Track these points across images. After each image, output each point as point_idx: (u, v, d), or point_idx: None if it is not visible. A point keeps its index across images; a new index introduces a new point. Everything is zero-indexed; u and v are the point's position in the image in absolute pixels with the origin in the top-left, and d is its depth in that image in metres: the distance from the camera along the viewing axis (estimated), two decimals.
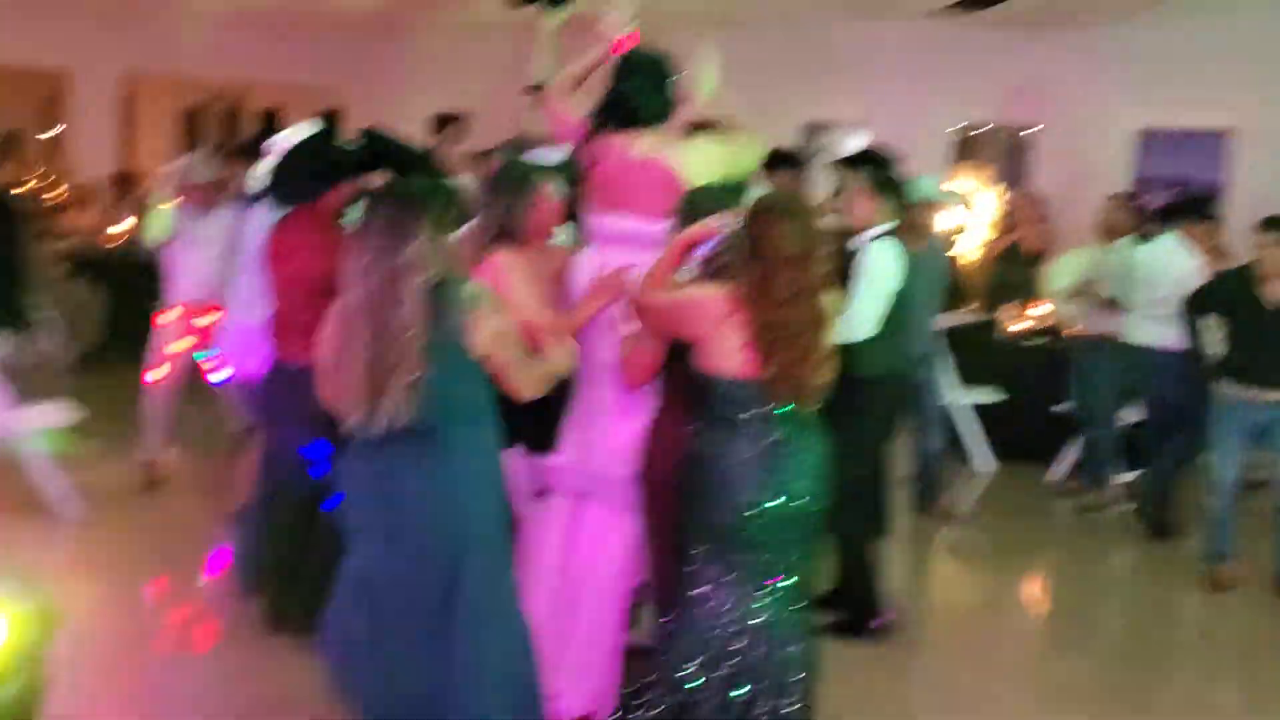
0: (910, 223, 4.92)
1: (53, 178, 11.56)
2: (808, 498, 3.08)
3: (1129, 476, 6.45)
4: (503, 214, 3.49)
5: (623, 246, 3.55)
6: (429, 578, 2.81)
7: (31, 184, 11.42)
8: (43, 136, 14.62)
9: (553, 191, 3.58)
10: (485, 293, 2.90)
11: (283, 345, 4.00)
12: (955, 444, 6.87)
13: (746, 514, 3.02)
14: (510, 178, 3.59)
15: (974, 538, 6.07)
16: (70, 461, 5.47)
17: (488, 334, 2.82)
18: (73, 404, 5.66)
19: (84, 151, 11.72)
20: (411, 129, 9.20)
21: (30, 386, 7.16)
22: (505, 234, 3.47)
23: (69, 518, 5.22)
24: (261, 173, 4.44)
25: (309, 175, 3.97)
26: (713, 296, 3.06)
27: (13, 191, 7.92)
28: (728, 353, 3.02)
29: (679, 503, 3.16)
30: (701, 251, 3.20)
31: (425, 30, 11.18)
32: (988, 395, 6.94)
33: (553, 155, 4.10)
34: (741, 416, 3.04)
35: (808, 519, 3.11)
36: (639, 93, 3.59)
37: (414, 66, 11.64)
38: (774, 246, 2.98)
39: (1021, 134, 9.08)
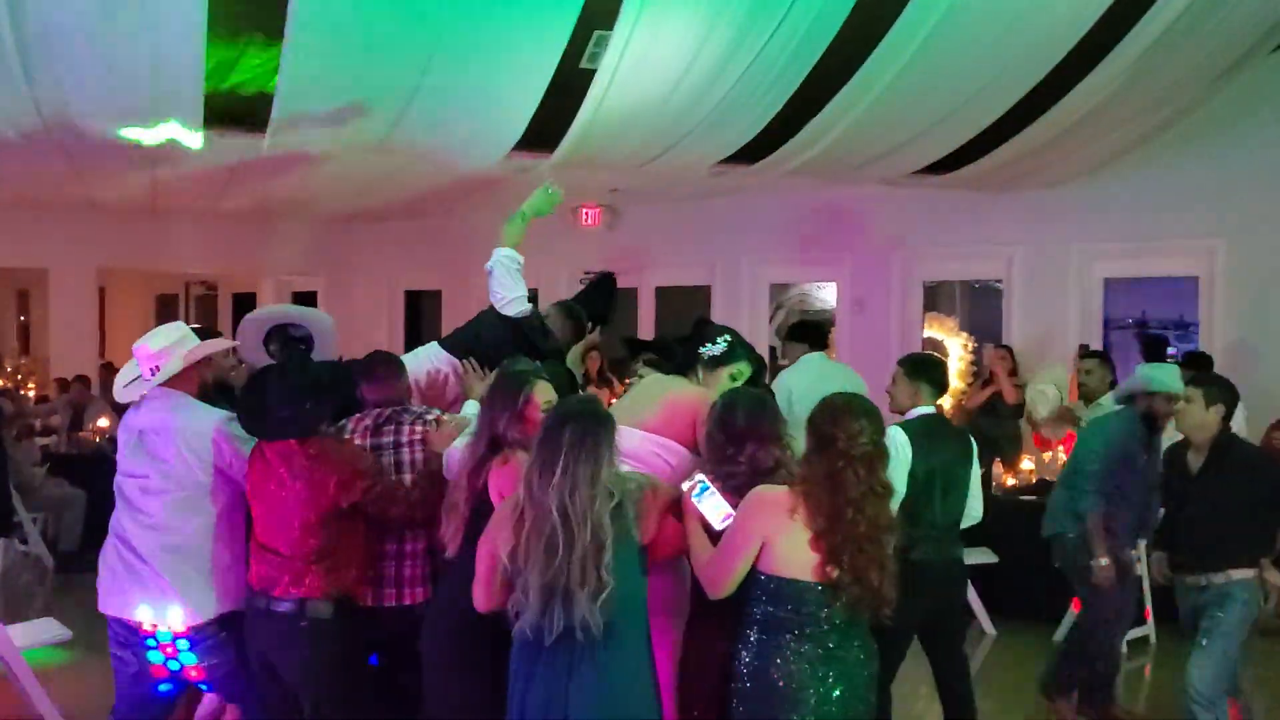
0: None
1: (31, 373, 11.58)
2: (863, 708, 3.03)
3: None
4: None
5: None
6: None
7: (8, 380, 11.50)
8: (21, 327, 14.77)
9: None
10: (650, 481, 3.06)
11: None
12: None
13: None
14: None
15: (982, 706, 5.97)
16: (54, 675, 5.33)
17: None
18: (55, 620, 5.55)
19: (61, 344, 11.77)
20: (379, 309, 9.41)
21: (14, 595, 7.04)
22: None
23: None
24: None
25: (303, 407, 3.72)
26: (775, 494, 3.04)
27: None
28: (789, 552, 2.97)
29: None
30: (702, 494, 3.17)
31: (401, 217, 11.52)
32: (982, 556, 6.94)
33: None
34: (799, 621, 2.98)
35: None
36: None
37: (384, 251, 11.94)
38: (846, 443, 2.98)
39: (990, 286, 9.39)
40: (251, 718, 3.94)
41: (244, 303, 13.43)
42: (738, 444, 3.25)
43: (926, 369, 4.51)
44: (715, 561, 3.07)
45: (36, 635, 5.30)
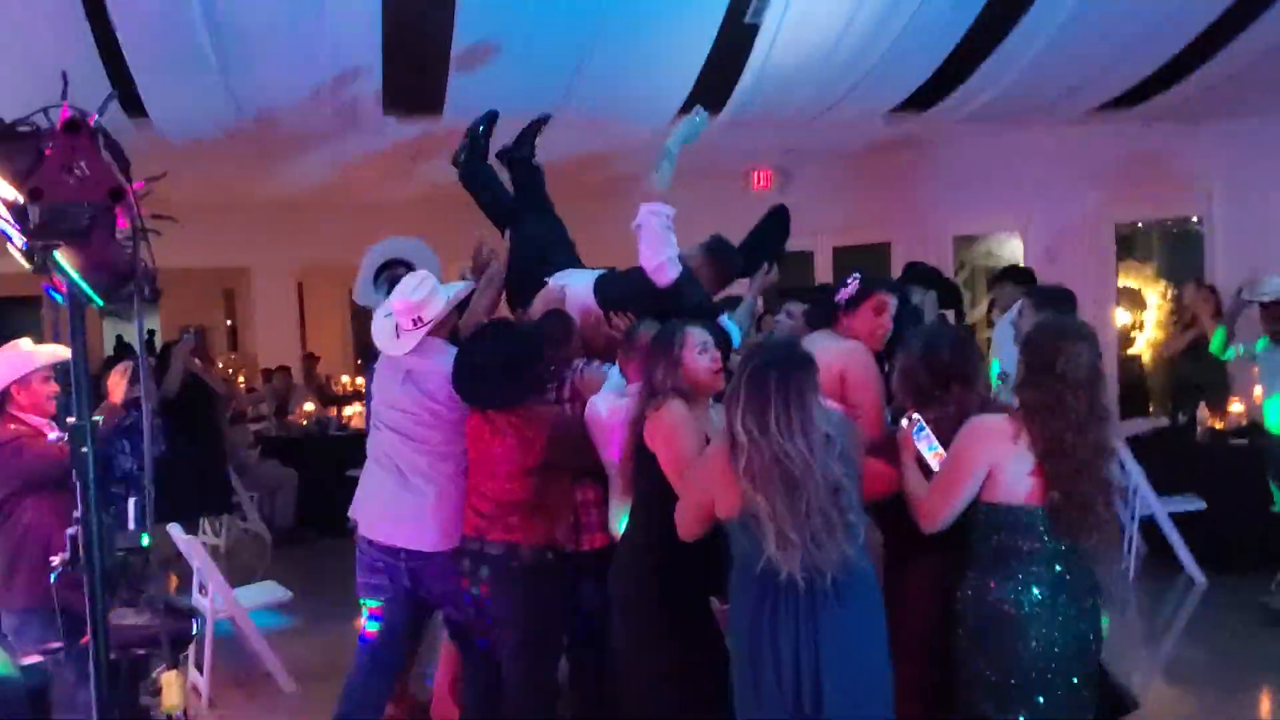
0: None
1: (241, 367, 12.33)
2: (1091, 634, 2.97)
3: None
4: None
5: None
6: None
7: (222, 372, 12.28)
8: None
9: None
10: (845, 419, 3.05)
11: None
12: (1159, 557, 6.55)
13: (1039, 662, 2.89)
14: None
15: (1191, 655, 5.70)
16: (276, 636, 5.68)
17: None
18: (277, 583, 5.91)
19: (266, 339, 12.51)
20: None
21: (236, 567, 7.54)
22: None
23: (285, 689, 5.39)
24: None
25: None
26: (996, 421, 3.00)
27: (207, 384, 8.47)
28: (1014, 479, 2.93)
29: (944, 657, 3.06)
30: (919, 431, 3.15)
31: (578, 198, 11.64)
32: (1188, 503, 6.60)
33: None
34: (1026, 549, 2.92)
35: (1091, 663, 2.99)
36: None
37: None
38: (1065, 367, 2.91)
39: (1193, 226, 8.83)
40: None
41: None
42: (943, 384, 3.19)
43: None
44: (938, 492, 3.03)
45: (261, 597, 5.66)
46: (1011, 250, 10.47)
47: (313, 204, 11.23)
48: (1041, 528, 2.91)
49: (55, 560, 2.52)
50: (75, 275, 2.03)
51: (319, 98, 6.02)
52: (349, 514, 4.33)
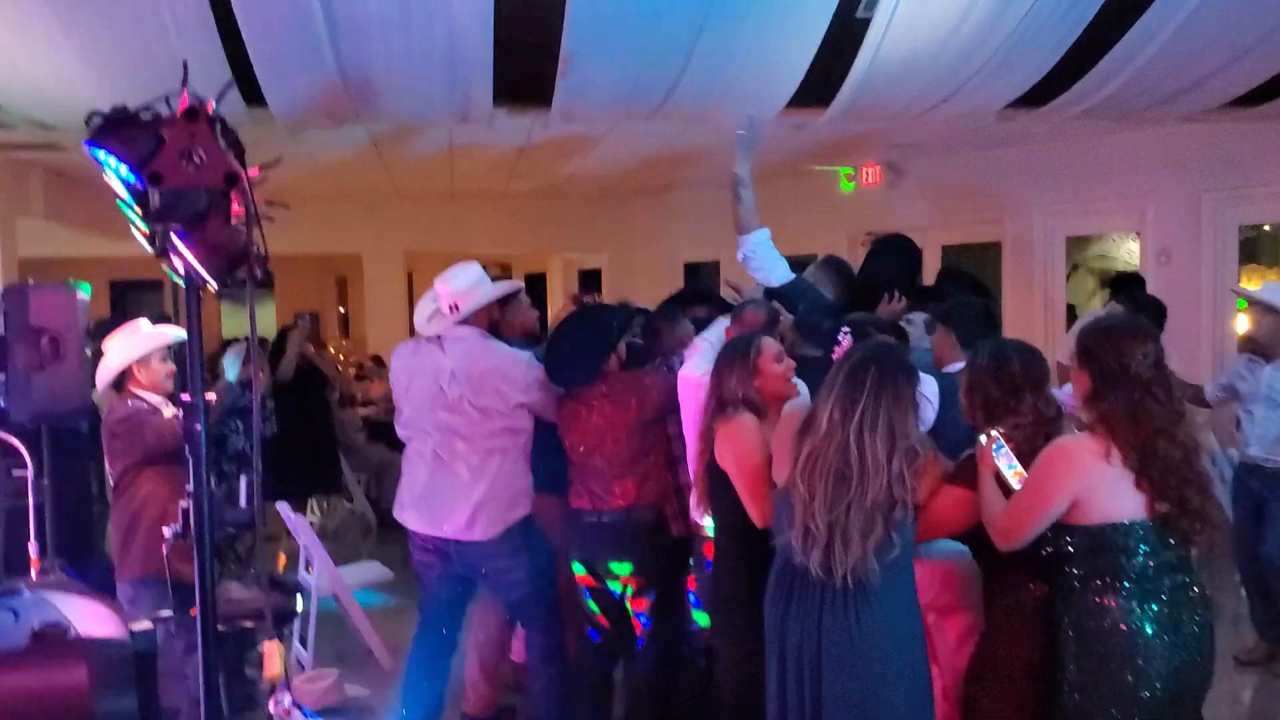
0: None
1: (351, 352, 12.65)
2: (1209, 653, 2.87)
3: None
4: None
5: None
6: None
7: (333, 357, 12.63)
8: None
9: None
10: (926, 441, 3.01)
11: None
12: None
13: (1160, 684, 2.78)
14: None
15: None
16: (377, 614, 5.82)
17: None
18: (379, 563, 6.06)
19: (376, 325, 12.83)
20: (660, 283, 9.65)
21: (340, 546, 7.74)
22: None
23: (385, 666, 5.52)
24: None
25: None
26: (1082, 442, 2.87)
27: (320, 368, 8.71)
28: (1113, 497, 2.81)
29: (1049, 688, 2.96)
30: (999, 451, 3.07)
31: (679, 188, 11.70)
32: None
33: None
34: (1139, 566, 2.81)
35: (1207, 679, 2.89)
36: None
37: (664, 223, 12.15)
38: (1137, 368, 2.82)
39: None
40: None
41: (535, 281, 14.12)
42: (1016, 395, 3.10)
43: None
44: (1018, 512, 2.90)
45: (364, 576, 5.81)
46: (1127, 251, 10.15)
47: (423, 192, 11.47)
48: (1152, 542, 2.80)
49: (167, 531, 2.62)
50: (191, 258, 2.11)
51: (431, 90, 6.12)
52: (395, 515, 4.47)
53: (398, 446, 9.28)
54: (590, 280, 13.64)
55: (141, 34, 5.11)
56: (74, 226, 9.78)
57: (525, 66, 5.97)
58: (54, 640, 1.65)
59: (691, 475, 3.83)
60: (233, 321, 14.57)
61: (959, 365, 4.06)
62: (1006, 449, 2.99)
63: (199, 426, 2.44)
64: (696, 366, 3.97)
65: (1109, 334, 2.90)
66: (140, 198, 2.16)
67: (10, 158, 8.21)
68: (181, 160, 1.94)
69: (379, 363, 11.95)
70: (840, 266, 5.11)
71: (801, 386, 3.94)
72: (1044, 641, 2.97)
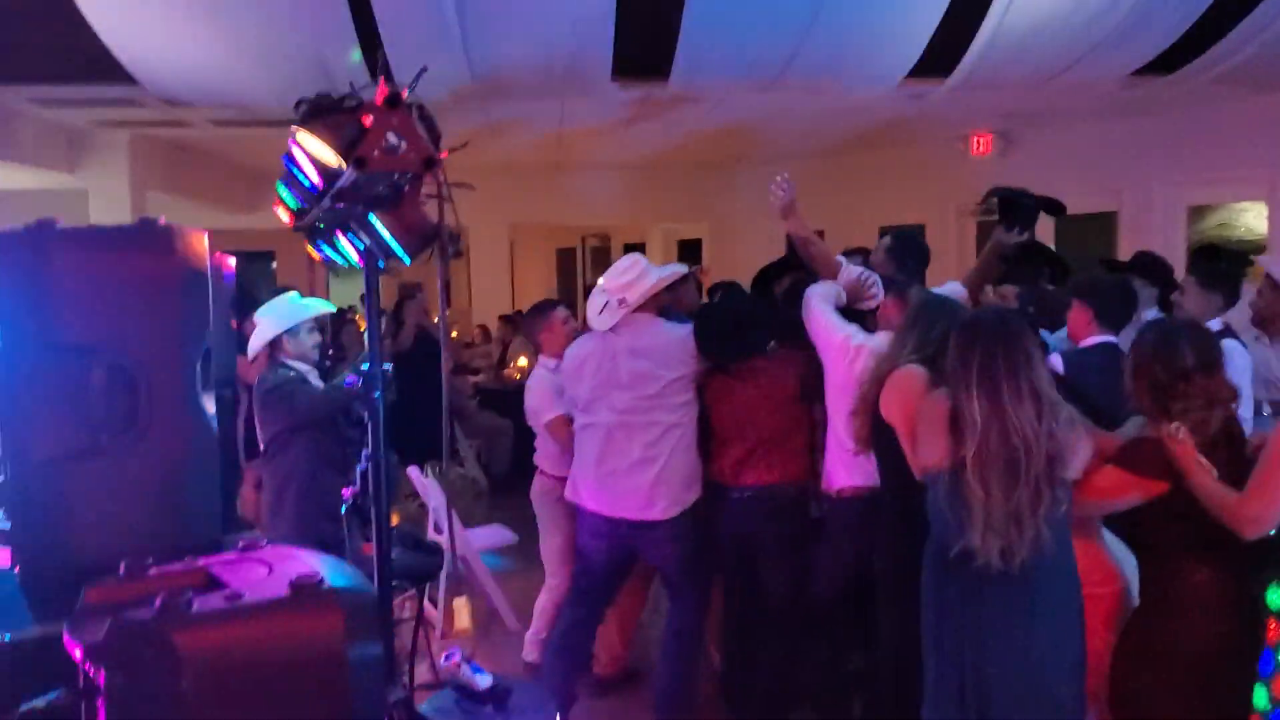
0: None
1: (455, 322, 12.90)
2: None
3: None
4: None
5: None
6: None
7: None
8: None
9: None
10: (1071, 411, 2.98)
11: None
12: None
13: None
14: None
15: None
16: (500, 576, 5.99)
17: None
18: (503, 527, 6.22)
19: (480, 295, 13.06)
20: (761, 252, 9.65)
21: (457, 513, 7.94)
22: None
23: (510, 627, 5.69)
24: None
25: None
26: None
27: (433, 336, 8.91)
28: None
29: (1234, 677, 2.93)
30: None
31: (783, 158, 11.65)
32: None
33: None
34: None
35: None
36: None
37: (764, 194, 12.10)
38: None
39: None
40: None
41: (634, 250, 14.17)
42: (1186, 379, 3.03)
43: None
44: (1268, 491, 2.80)
45: (491, 539, 5.97)
46: (1249, 221, 9.84)
47: (529, 165, 11.60)
48: None
49: (347, 493, 2.76)
50: (387, 234, 2.23)
51: (551, 64, 6.21)
52: (566, 497, 4.57)
53: (506, 413, 9.54)
54: (690, 250, 13.66)
55: (279, 19, 5.28)
56: (194, 199, 10.14)
57: (644, 39, 6.03)
58: (311, 590, 1.77)
59: (842, 432, 3.95)
60: (340, 291, 14.95)
61: (1096, 339, 4.04)
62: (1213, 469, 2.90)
63: (377, 394, 2.57)
64: (839, 330, 4.08)
65: None
66: (331, 178, 2.27)
67: (142, 134, 8.54)
68: (382, 145, 2.05)
69: (485, 332, 12.17)
70: (904, 245, 4.94)
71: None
72: (1212, 626, 2.93)
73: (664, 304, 4.52)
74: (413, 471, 5.76)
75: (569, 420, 4.71)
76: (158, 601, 1.75)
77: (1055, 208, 5.06)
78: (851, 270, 4.40)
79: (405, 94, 2.15)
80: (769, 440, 4.23)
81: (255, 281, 10.46)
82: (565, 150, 10.58)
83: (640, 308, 4.32)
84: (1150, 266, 5.04)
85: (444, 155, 2.19)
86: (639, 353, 4.30)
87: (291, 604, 1.75)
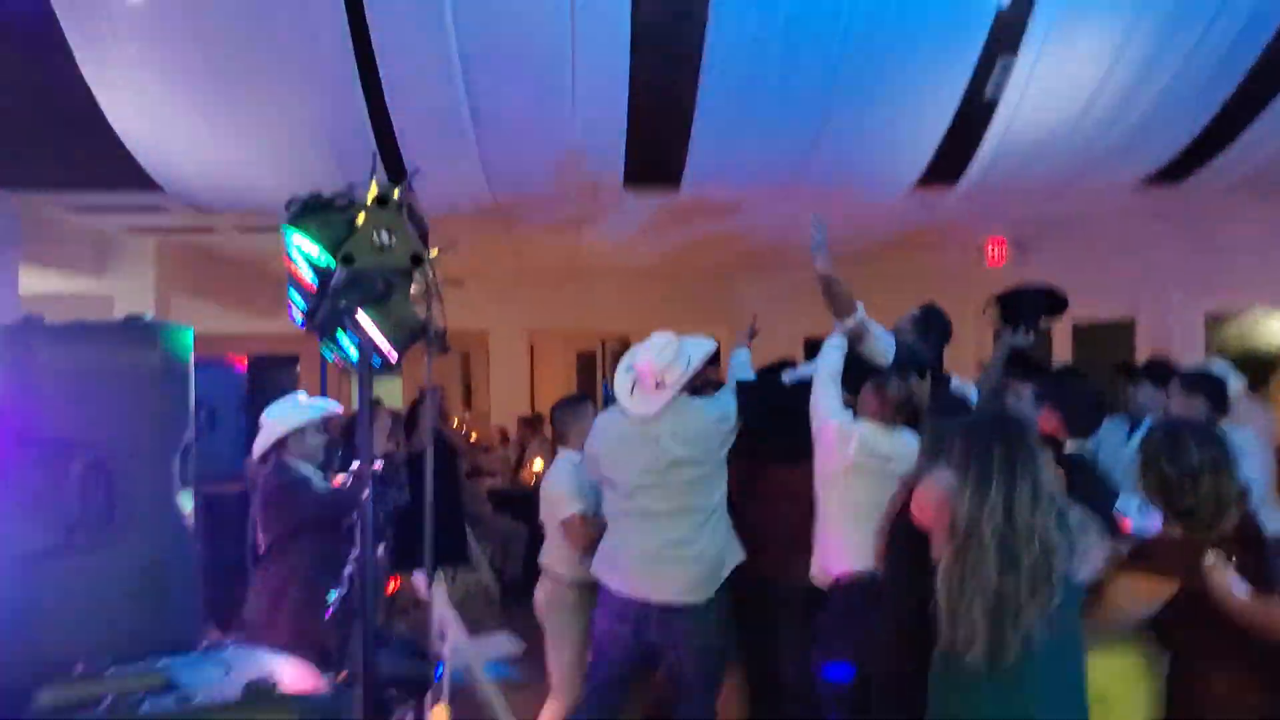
0: None
1: (474, 425, 12.92)
2: None
3: None
4: None
5: None
6: None
7: (458, 429, 12.90)
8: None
9: None
10: (1084, 517, 2.95)
11: None
12: None
13: None
14: None
15: None
16: (505, 687, 5.85)
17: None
18: (510, 635, 6.11)
19: (499, 398, 13.09)
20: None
21: (466, 617, 7.83)
22: None
23: None
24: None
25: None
26: None
27: (449, 439, 8.91)
28: None
29: None
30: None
31: (801, 265, 11.72)
32: None
33: None
34: None
35: None
36: None
37: (785, 300, 12.17)
38: None
39: None
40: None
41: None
42: (1193, 477, 3.01)
43: None
44: None
45: (495, 648, 5.86)
46: (1271, 332, 9.77)
47: (548, 270, 11.75)
48: None
49: (331, 596, 2.72)
50: (375, 332, 2.23)
51: (564, 175, 6.33)
52: (592, 573, 4.49)
53: (521, 517, 9.46)
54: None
55: (301, 130, 5.42)
56: (217, 303, 10.30)
57: (656, 147, 6.14)
58: (264, 693, 1.74)
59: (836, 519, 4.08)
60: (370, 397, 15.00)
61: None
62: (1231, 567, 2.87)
63: (367, 493, 2.54)
64: (833, 414, 4.18)
65: None
66: (324, 277, 2.29)
67: (166, 240, 8.72)
68: (372, 242, 2.07)
69: (504, 436, 12.16)
70: (929, 318, 5.06)
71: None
72: None
73: (696, 383, 4.46)
74: (417, 578, 5.68)
75: (586, 519, 4.64)
76: (105, 703, 1.71)
77: (1056, 304, 5.11)
78: (862, 314, 4.50)
79: (396, 193, 2.18)
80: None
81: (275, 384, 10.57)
82: (583, 256, 10.71)
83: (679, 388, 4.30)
84: (1160, 371, 5.04)
85: (434, 253, 2.21)
86: (682, 439, 4.25)
87: (242, 706, 1.71)
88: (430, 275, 2.19)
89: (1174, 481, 3.00)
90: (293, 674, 1.82)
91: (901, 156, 6.20)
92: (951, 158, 6.21)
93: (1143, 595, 2.95)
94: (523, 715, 5.62)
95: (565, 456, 5.08)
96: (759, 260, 11.40)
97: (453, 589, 9.01)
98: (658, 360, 4.25)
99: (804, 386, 4.60)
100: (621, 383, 4.42)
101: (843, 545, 4.05)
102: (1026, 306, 4.88)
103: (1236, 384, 5.10)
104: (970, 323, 10.11)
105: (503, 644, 5.87)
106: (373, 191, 2.12)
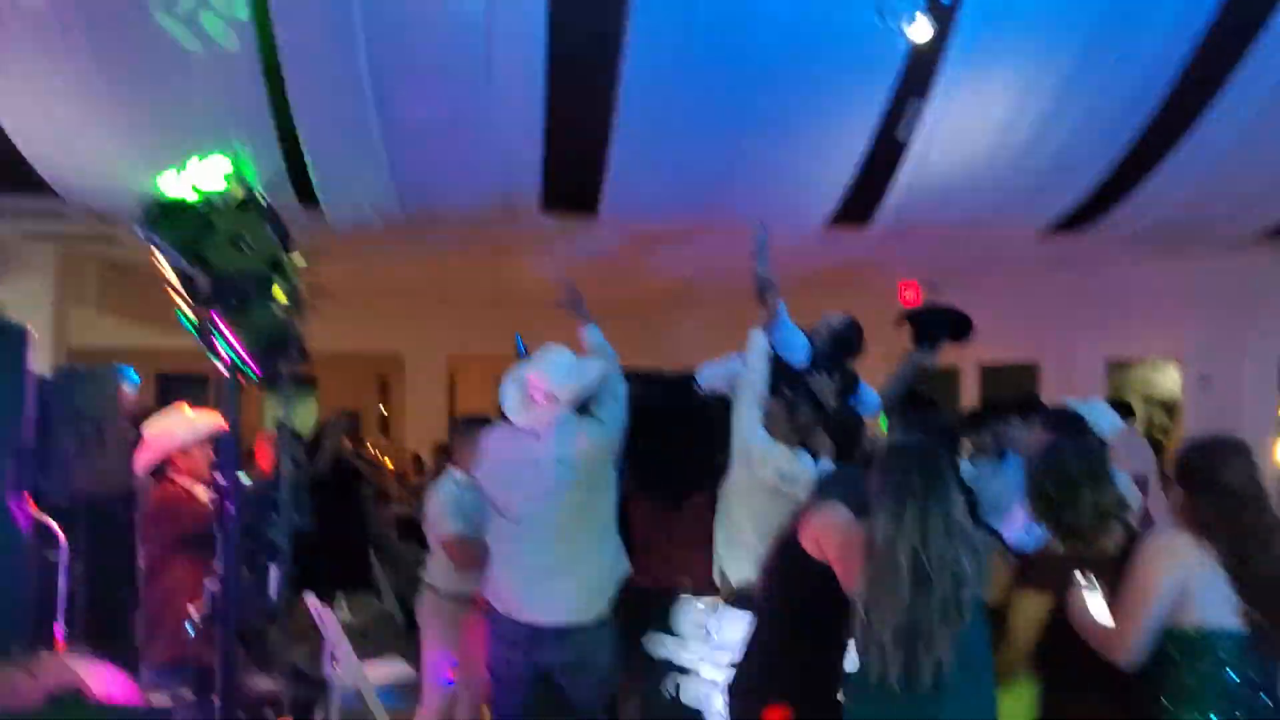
0: None
1: (387, 449, 12.72)
2: None
3: None
4: None
5: None
6: None
7: (369, 456, 12.70)
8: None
9: None
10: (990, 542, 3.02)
11: None
12: None
13: None
14: None
15: None
16: (403, 715, 5.72)
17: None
18: (404, 661, 5.97)
19: (416, 425, 12.90)
20: None
21: (370, 645, 7.66)
22: None
23: None
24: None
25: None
26: (1176, 538, 2.85)
27: (352, 464, 8.77)
28: (1209, 601, 2.76)
29: None
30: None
31: (731, 300, 11.81)
32: None
33: None
34: (1232, 678, 2.73)
35: None
36: None
37: (719, 335, 12.22)
38: (1232, 481, 2.80)
39: None
40: None
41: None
42: (1074, 491, 3.06)
43: None
44: (1129, 619, 2.81)
45: (388, 673, 5.73)
46: (1171, 381, 10.05)
47: (467, 294, 11.65)
48: (1245, 656, 2.74)
49: (193, 610, 2.63)
50: (233, 341, 2.17)
51: (480, 195, 6.29)
52: (484, 595, 4.40)
53: (426, 545, 9.32)
54: None
55: (201, 130, 5.31)
56: (123, 316, 10.04)
57: (573, 175, 6.14)
58: (68, 702, 1.66)
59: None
60: (275, 415, 14.73)
61: None
62: (1096, 588, 2.92)
63: (231, 507, 2.47)
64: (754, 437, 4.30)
65: (1202, 447, 2.96)
66: (188, 283, 2.23)
67: (68, 249, 8.48)
68: (229, 245, 2.02)
69: (419, 463, 11.98)
70: (848, 332, 5.20)
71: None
72: None
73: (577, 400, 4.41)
74: (309, 599, 5.54)
75: (464, 540, 4.59)
76: None
77: (961, 327, 5.34)
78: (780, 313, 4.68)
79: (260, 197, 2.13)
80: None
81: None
82: (506, 282, 10.65)
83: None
84: (1027, 408, 5.33)
85: (298, 259, 2.16)
86: (570, 459, 4.15)
87: (44, 716, 1.63)
88: (293, 283, 2.13)
89: (1055, 496, 3.06)
90: (110, 684, 1.74)
91: (814, 192, 6.28)
92: (865, 198, 6.30)
93: (1031, 612, 3.00)
94: None
95: (450, 475, 5.05)
96: (685, 297, 11.46)
97: (356, 615, 8.85)
98: (550, 373, 4.18)
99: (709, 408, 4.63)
100: (511, 394, 4.34)
101: (745, 557, 4.03)
102: (934, 325, 5.22)
103: (1115, 424, 5.23)
104: (884, 364, 10.28)
105: (396, 670, 5.73)
106: (230, 193, 2.07)
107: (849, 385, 5.00)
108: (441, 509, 4.90)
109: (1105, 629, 2.86)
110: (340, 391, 15.90)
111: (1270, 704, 2.75)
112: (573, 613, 4.17)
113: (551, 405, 4.17)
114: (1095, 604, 2.89)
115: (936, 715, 2.82)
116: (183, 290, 2.31)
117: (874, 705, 2.90)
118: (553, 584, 4.19)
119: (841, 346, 5.09)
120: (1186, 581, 2.76)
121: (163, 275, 2.47)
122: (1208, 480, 2.82)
